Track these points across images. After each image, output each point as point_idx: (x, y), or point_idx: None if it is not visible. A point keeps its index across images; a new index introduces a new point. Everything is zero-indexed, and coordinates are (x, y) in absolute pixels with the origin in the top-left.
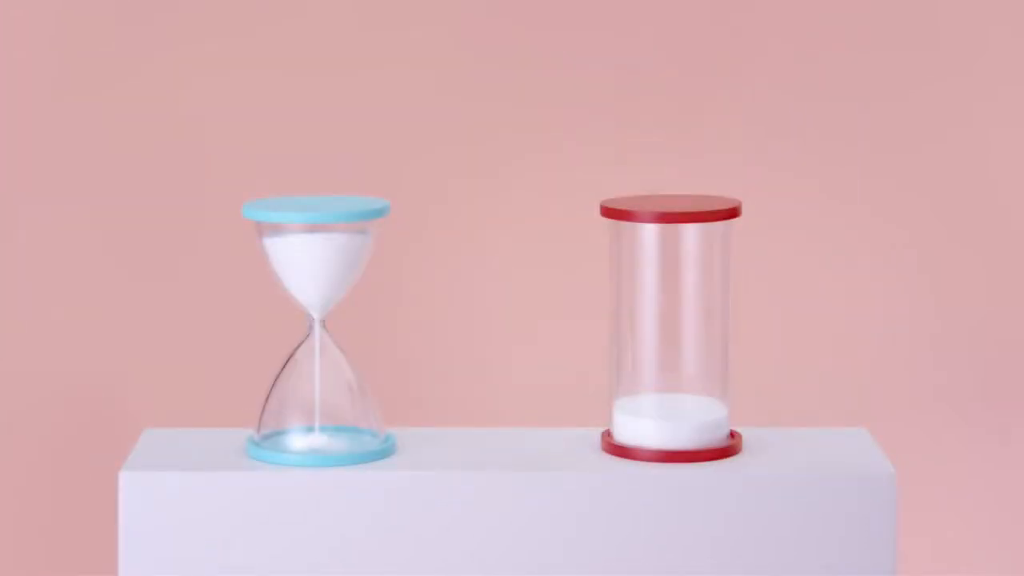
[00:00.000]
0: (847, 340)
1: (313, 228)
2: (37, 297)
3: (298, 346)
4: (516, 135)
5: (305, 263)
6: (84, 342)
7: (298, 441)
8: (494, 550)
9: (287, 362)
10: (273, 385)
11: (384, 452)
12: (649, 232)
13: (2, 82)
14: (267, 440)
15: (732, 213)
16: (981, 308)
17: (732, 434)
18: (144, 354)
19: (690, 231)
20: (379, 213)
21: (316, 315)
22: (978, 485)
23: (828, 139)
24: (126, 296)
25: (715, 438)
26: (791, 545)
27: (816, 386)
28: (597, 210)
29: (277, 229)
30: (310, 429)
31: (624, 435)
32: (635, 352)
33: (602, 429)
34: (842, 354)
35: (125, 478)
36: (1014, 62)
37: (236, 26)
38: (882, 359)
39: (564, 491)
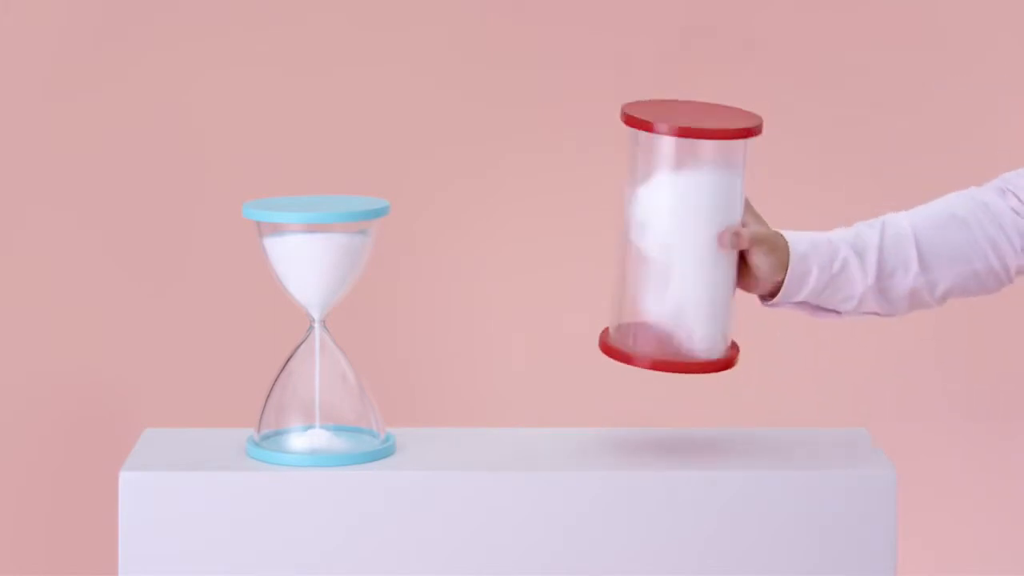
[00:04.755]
0: (847, 340)
1: (313, 228)
2: (37, 297)
3: (298, 346)
4: (516, 135)
5: (305, 263)
6: (84, 342)
7: (298, 441)
8: (494, 550)
9: (287, 362)
10: (273, 385)
11: (384, 452)
12: (667, 143)
13: (2, 82)
14: (267, 440)
15: (752, 131)
16: (981, 308)
17: (732, 345)
18: (144, 354)
19: (708, 147)
20: (379, 213)
21: (316, 315)
22: (978, 485)
23: (828, 139)
24: (126, 296)
25: (715, 348)
26: (791, 545)
27: (816, 386)
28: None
29: (277, 229)
30: (310, 429)
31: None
32: (636, 278)
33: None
34: (842, 354)
35: (125, 478)
36: (1015, 64)
37: (236, 26)
38: (882, 359)
39: (564, 491)
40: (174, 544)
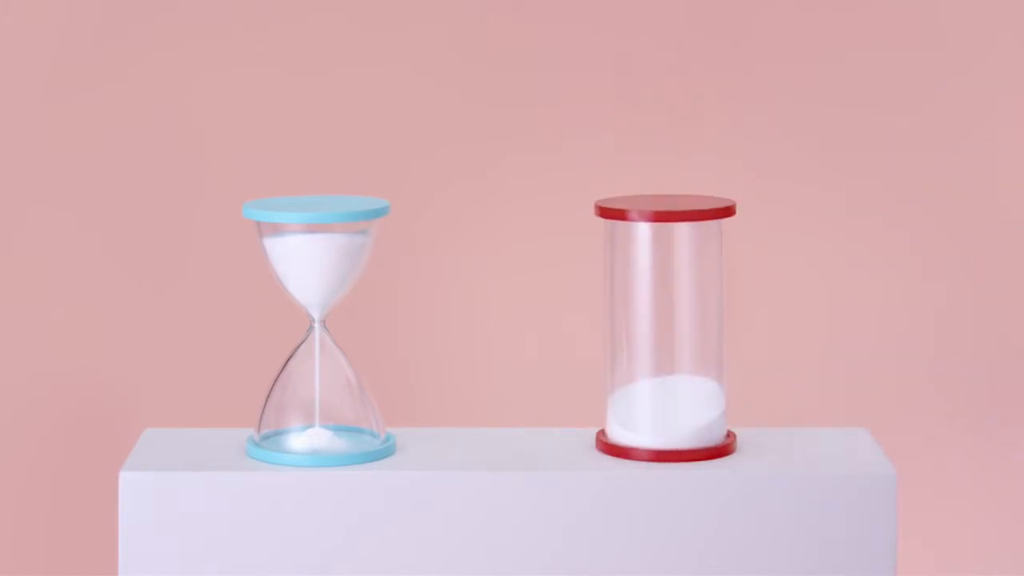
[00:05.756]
0: (847, 340)
1: (313, 228)
2: (37, 297)
3: (298, 346)
4: (515, 135)
5: (305, 263)
6: (84, 342)
7: (298, 441)
8: (493, 550)
9: (287, 362)
10: (273, 385)
11: (384, 452)
12: (643, 231)
13: (2, 82)
14: (267, 440)
15: (726, 212)
16: (981, 307)
17: (728, 434)
18: (144, 354)
19: (684, 230)
20: (379, 213)
21: (316, 315)
22: (978, 485)
23: (828, 139)
24: (126, 296)
25: (711, 438)
26: (791, 545)
27: (816, 386)
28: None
29: (277, 229)
30: (310, 428)
31: (619, 435)
32: (630, 351)
33: (598, 429)
34: (842, 354)
35: (125, 478)
36: (1015, 64)
37: (236, 26)
38: (882, 359)
39: (564, 491)
40: (174, 544)
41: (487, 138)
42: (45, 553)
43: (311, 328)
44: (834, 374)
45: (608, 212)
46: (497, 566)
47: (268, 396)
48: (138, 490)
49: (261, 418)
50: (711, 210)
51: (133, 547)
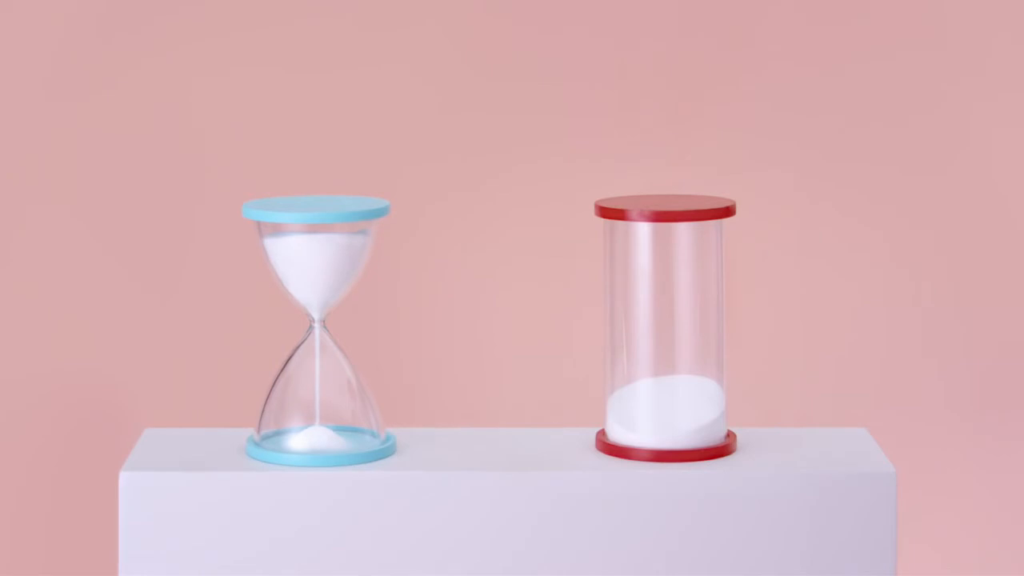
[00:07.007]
0: (847, 340)
1: (313, 228)
2: (37, 297)
3: (298, 346)
4: (515, 136)
5: (305, 263)
6: (84, 342)
7: (298, 441)
8: (493, 550)
9: (287, 362)
10: (273, 385)
11: (384, 452)
12: (643, 231)
13: (2, 82)
14: (267, 440)
15: (726, 212)
16: (981, 308)
17: (728, 434)
18: (144, 354)
19: (684, 230)
20: (379, 213)
21: (316, 315)
22: (978, 485)
23: (827, 140)
24: (126, 296)
25: (711, 438)
26: (791, 545)
27: (816, 386)
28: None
29: (277, 229)
30: (310, 426)
31: (618, 435)
32: (630, 351)
33: (598, 429)
34: (841, 354)
35: (125, 478)
36: (1015, 64)
37: (236, 26)
38: (882, 359)
39: (564, 491)
40: (174, 544)
41: (487, 138)
42: (45, 553)
43: (311, 328)
44: (834, 374)
45: (608, 212)
46: (497, 566)
47: (268, 396)
48: (138, 490)
49: (261, 418)
50: (711, 210)
51: (133, 547)
